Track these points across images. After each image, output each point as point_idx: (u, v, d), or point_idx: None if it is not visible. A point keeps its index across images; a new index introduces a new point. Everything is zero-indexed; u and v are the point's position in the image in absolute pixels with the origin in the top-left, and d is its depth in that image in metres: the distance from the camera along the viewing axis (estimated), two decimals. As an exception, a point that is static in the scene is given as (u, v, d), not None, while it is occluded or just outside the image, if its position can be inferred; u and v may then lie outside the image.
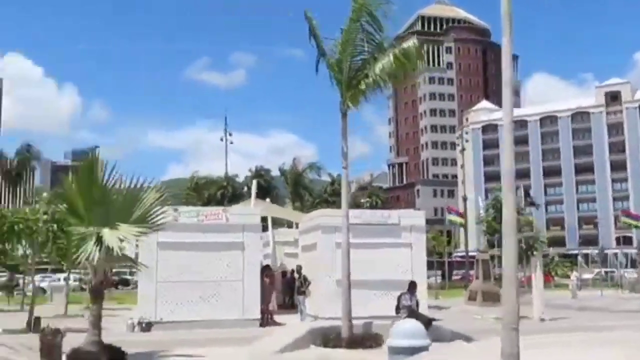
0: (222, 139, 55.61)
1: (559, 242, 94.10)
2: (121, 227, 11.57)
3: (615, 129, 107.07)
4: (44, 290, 34.60)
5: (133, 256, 14.75)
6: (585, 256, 74.35)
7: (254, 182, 30.81)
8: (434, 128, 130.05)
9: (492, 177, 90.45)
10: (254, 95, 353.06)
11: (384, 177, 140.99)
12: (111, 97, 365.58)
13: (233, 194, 67.26)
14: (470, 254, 50.14)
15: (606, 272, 52.06)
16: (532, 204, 53.63)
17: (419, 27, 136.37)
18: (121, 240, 11.41)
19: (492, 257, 34.50)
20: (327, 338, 13.45)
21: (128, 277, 45.78)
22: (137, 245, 15.93)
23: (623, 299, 31.39)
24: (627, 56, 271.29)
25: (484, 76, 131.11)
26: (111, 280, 33.67)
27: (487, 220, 33.05)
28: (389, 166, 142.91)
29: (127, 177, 12.23)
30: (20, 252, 19.31)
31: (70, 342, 12.10)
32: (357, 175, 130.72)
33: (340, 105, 14.28)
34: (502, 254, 7.92)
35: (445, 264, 50.40)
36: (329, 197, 72.68)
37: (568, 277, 40.92)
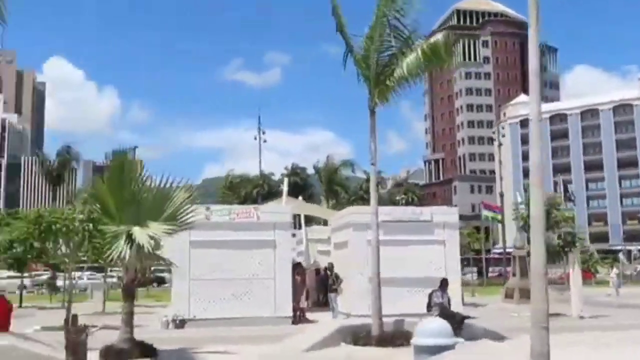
0: (255, 138, 56.02)
1: (601, 238, 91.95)
2: (151, 225, 11.76)
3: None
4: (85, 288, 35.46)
5: (168, 255, 14.90)
6: (628, 252, 72.37)
7: (285, 180, 30.97)
8: (470, 123, 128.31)
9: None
10: (290, 93, 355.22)
11: (420, 174, 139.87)
12: (150, 98, 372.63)
13: (269, 192, 67.65)
14: (507, 250, 49.33)
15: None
16: (570, 199, 52.40)
17: (454, 21, 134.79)
18: (151, 238, 11.59)
19: (529, 254, 33.79)
20: (357, 336, 13.38)
21: (163, 275, 46.46)
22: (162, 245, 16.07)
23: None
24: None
25: (522, 70, 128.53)
26: (150, 278, 34.23)
27: (523, 216, 32.37)
28: (425, 162, 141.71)
29: (158, 177, 12.45)
30: (62, 251, 19.73)
31: (104, 339, 12.40)
32: (393, 172, 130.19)
33: (368, 102, 14.13)
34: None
35: (482, 260, 49.74)
36: (365, 194, 72.34)
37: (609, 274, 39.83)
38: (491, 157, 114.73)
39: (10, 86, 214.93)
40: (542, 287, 7.51)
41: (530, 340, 7.43)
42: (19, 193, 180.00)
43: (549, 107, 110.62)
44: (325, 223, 31.32)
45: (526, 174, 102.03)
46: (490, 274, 52.17)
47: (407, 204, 74.02)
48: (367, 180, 77.68)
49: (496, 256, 60.66)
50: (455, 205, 51.48)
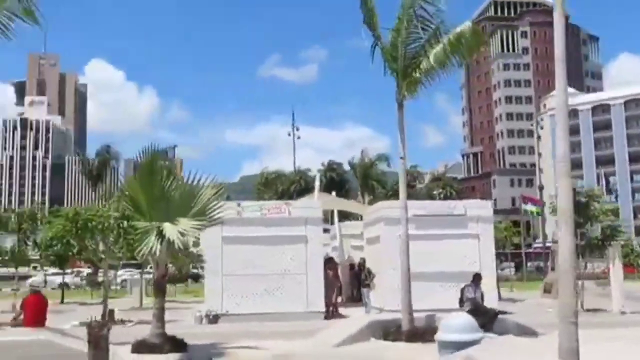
0: (289, 134, 56.18)
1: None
2: (181, 221, 11.89)
3: None
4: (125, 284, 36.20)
5: (201, 251, 15.04)
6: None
7: (317, 175, 30.99)
8: (509, 116, 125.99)
9: (573, 165, 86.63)
10: (327, 89, 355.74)
11: (458, 168, 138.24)
12: (188, 97, 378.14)
13: (305, 187, 67.82)
14: (547, 244, 48.34)
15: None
16: (612, 191, 50.99)
17: (492, 12, 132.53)
18: (182, 234, 11.71)
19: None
20: (388, 331, 13.28)
21: (197, 271, 46.88)
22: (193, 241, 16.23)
23: None
24: None
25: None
26: (185, 274, 34.69)
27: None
28: (463, 156, 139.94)
29: (190, 175, 12.66)
30: (101, 247, 20.13)
31: (139, 334, 12.63)
32: (431, 166, 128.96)
33: (396, 95, 13.95)
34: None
35: (521, 255, 48.85)
36: (401, 189, 71.74)
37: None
38: (531, 150, 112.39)
39: (53, 89, 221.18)
40: (570, 281, 7.26)
41: (558, 336, 7.21)
42: (64, 192, 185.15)
43: (591, 98, 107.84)
44: (361, 218, 31.20)
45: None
46: (529, 269, 51.24)
47: (445, 198, 73.13)
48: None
49: (538, 250, 59.56)
50: (495, 199, 50.76)
